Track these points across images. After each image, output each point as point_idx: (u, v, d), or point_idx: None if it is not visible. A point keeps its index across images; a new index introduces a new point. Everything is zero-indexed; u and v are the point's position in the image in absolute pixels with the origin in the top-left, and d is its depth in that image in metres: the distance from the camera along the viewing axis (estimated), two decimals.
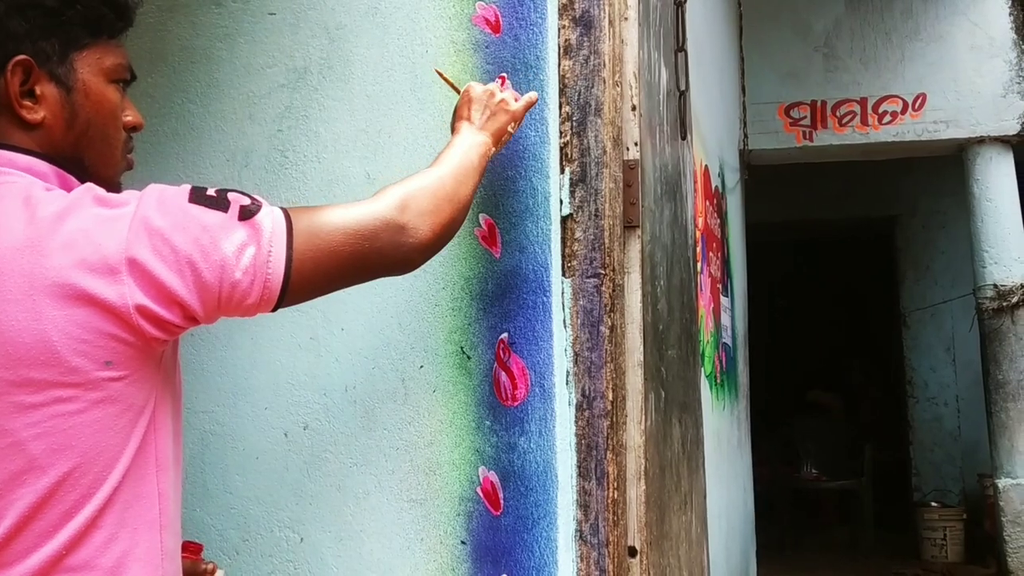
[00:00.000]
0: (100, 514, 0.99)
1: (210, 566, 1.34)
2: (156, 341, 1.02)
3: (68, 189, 1.06)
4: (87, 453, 0.98)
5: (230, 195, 1.06)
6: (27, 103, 1.05)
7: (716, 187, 4.14)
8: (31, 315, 0.96)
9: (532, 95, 1.52)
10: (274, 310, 1.09)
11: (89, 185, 1.05)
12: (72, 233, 0.98)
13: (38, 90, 1.06)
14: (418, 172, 1.30)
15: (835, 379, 8.52)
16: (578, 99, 1.59)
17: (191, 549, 1.31)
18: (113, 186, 1.11)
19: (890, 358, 7.79)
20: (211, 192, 1.06)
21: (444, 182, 1.28)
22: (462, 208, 1.30)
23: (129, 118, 1.15)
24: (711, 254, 3.82)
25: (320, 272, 1.10)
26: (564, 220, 1.58)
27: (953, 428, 7.15)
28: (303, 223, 1.09)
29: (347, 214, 1.14)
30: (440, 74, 1.57)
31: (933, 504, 6.70)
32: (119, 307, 0.97)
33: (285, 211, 1.10)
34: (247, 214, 1.05)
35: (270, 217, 1.07)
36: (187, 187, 1.05)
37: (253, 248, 1.04)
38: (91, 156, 1.10)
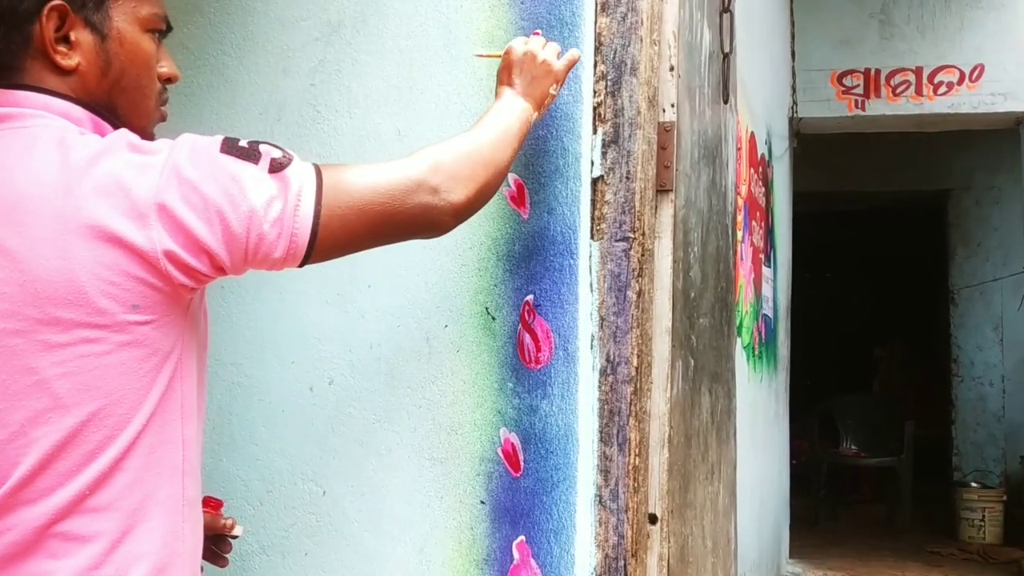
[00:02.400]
0: (124, 456, 1.00)
1: (229, 521, 1.35)
2: (184, 288, 1.02)
3: (102, 135, 1.06)
4: (112, 395, 0.99)
5: (262, 147, 1.05)
6: (61, 49, 1.05)
7: (762, 155, 4.06)
8: (61, 255, 0.97)
9: (575, 53, 1.48)
10: (301, 265, 1.09)
11: (123, 131, 1.05)
12: (104, 177, 0.98)
13: (73, 36, 1.06)
14: (455, 135, 1.28)
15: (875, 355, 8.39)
16: (614, 57, 1.55)
17: (212, 504, 1.32)
18: (146, 136, 1.10)
19: (936, 335, 7.65)
20: (243, 143, 1.05)
21: (481, 146, 1.26)
22: (498, 174, 1.28)
23: (164, 69, 1.15)
24: (754, 223, 3.75)
25: (348, 230, 1.09)
26: (594, 182, 1.55)
27: (997, 409, 7.01)
28: (333, 179, 1.08)
29: (379, 173, 1.13)
30: (481, 55, 1.53)
31: (973, 484, 6.59)
32: (147, 252, 0.98)
33: (316, 167, 1.09)
34: (277, 167, 1.04)
35: (300, 171, 1.06)
36: (219, 138, 1.05)
37: (281, 202, 1.03)
38: (124, 105, 1.10)
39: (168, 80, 1.16)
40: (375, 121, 1.67)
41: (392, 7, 1.67)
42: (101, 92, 1.08)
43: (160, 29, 1.14)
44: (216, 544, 1.33)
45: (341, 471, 1.63)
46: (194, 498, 1.11)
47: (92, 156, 1.00)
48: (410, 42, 1.66)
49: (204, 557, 1.21)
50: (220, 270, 1.04)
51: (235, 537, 1.36)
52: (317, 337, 1.67)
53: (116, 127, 1.08)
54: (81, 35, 1.06)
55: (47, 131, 1.03)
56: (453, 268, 1.60)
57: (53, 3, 1.03)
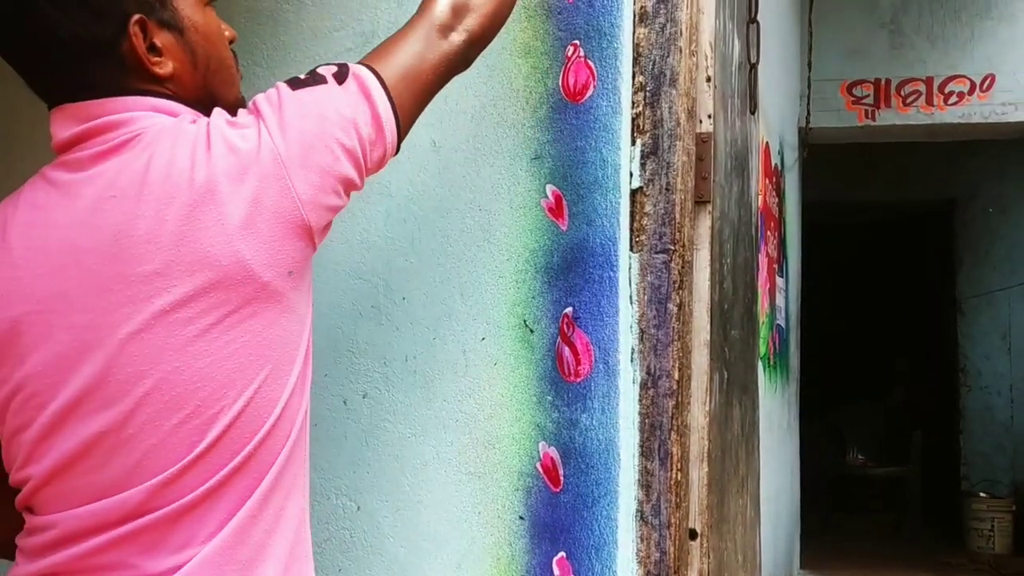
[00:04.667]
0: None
1: None
2: (321, 233, 1.04)
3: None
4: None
5: (319, 70, 1.08)
6: (155, 59, 1.04)
7: (775, 165, 4.06)
8: (223, 239, 0.97)
9: None
10: (396, 152, 1.13)
11: (215, 113, 1.05)
12: (224, 156, 0.99)
13: (158, 43, 1.04)
14: None
15: (884, 365, 8.39)
16: (652, 68, 1.54)
17: None
18: (238, 103, 1.12)
19: (943, 345, 7.63)
20: (302, 76, 1.08)
21: None
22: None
23: (227, 33, 1.16)
24: (768, 233, 3.75)
25: (413, 98, 1.13)
26: (634, 193, 1.54)
27: (1006, 418, 6.99)
28: (380, 64, 1.11)
29: (409, 38, 1.16)
30: None
31: (982, 494, 6.57)
32: (290, 208, 0.99)
33: (362, 63, 1.11)
34: (341, 77, 1.07)
35: (358, 72, 1.08)
36: (280, 83, 1.06)
37: (363, 104, 1.06)
38: (217, 86, 1.11)
39: (231, 41, 1.17)
40: (410, 132, 1.65)
41: None
42: (197, 86, 1.08)
43: None
44: None
45: (376, 486, 1.62)
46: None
47: (208, 139, 1.00)
48: None
49: None
50: (349, 193, 1.07)
51: None
52: (351, 350, 1.65)
53: (210, 114, 1.08)
54: (164, 39, 1.05)
55: (165, 128, 1.02)
56: (490, 280, 1.58)
57: (135, 18, 1.02)
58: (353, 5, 1.70)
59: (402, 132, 1.12)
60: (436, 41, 1.17)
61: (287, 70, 1.73)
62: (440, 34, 1.18)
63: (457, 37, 1.19)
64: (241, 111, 1.05)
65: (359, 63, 1.12)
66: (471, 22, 1.21)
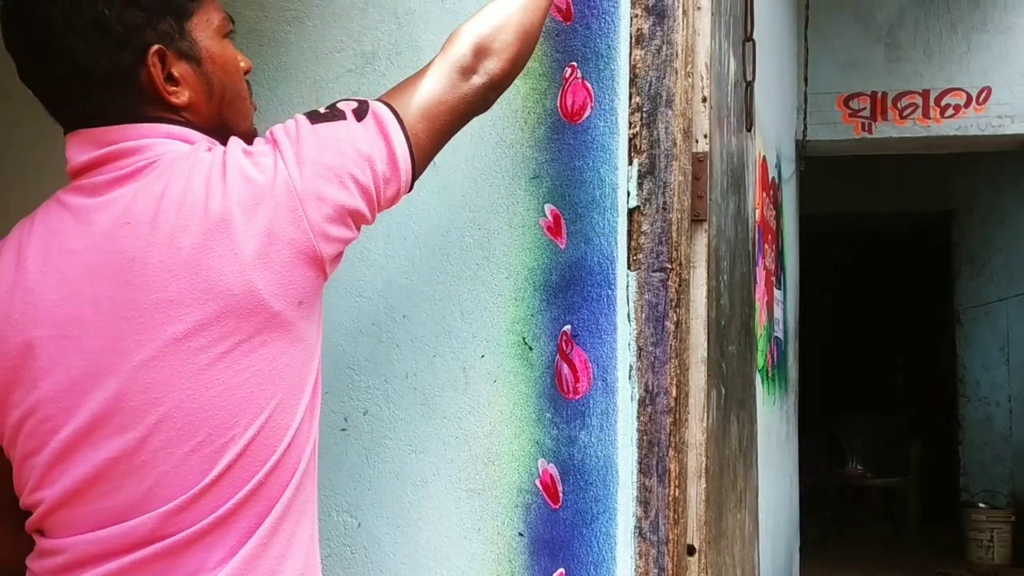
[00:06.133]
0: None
1: None
2: (332, 264, 1.07)
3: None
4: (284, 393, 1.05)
5: (339, 105, 1.10)
6: (172, 88, 1.06)
7: (773, 178, 4.08)
8: (236, 268, 0.99)
9: None
10: (410, 190, 1.15)
11: (231, 142, 1.07)
12: (239, 185, 1.01)
13: (175, 72, 1.06)
14: (487, 5, 1.28)
15: (883, 375, 8.40)
16: (649, 90, 1.56)
17: None
18: (251, 133, 1.14)
19: (942, 355, 7.65)
20: (323, 110, 1.09)
21: (511, 16, 1.27)
22: (530, 40, 1.31)
23: (243, 64, 1.17)
24: (766, 246, 3.76)
25: (430, 137, 1.15)
26: (631, 212, 1.56)
27: (1004, 429, 7.01)
28: (400, 103, 1.14)
29: (432, 79, 1.18)
30: None
31: (981, 505, 6.58)
32: (303, 240, 1.01)
33: (381, 101, 1.14)
34: (361, 114, 1.09)
35: (376, 109, 1.11)
36: (300, 116, 1.08)
37: (380, 142, 1.09)
38: (231, 116, 1.13)
39: (246, 72, 1.19)
40: None
41: (427, 39, 1.68)
42: (212, 115, 1.11)
43: (231, 30, 1.15)
44: None
45: (376, 502, 1.63)
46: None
47: (224, 168, 1.02)
48: None
49: None
50: (360, 227, 1.10)
51: None
52: (352, 367, 1.67)
53: (224, 141, 1.10)
54: (181, 69, 1.07)
55: (180, 155, 1.04)
56: (489, 298, 1.60)
57: (154, 48, 1.04)
58: (354, 27, 1.72)
59: (417, 171, 1.13)
60: (457, 83, 1.18)
61: (288, 91, 1.76)
62: (461, 76, 1.19)
63: (478, 80, 1.20)
64: (258, 140, 1.07)
65: (379, 100, 1.13)
66: (492, 65, 1.22)
